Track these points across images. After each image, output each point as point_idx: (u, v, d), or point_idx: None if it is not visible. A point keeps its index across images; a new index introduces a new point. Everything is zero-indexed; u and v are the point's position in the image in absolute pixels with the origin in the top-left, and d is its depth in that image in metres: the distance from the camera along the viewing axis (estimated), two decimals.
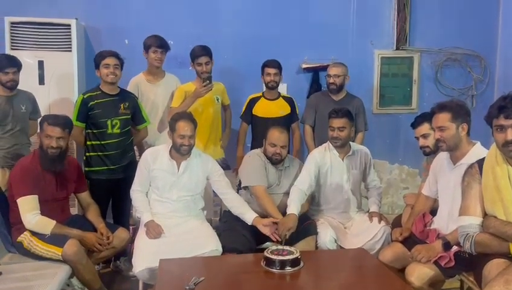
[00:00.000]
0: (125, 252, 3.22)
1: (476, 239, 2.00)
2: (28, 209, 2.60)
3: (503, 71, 4.56)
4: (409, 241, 2.50)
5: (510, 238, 1.93)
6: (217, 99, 3.58)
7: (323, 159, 3.06)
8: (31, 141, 3.33)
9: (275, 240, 2.66)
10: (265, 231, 2.72)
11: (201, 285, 2.08)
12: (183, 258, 2.48)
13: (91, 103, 3.11)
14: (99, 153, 3.16)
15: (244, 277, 2.26)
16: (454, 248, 2.26)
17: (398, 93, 4.63)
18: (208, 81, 3.31)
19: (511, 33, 4.40)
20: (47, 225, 2.61)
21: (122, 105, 3.19)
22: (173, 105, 3.39)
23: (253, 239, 2.78)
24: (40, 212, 2.62)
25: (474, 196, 2.06)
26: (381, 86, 4.57)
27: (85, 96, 3.14)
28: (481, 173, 2.06)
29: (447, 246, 2.25)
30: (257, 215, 2.83)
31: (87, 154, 3.20)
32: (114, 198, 3.32)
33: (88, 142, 3.18)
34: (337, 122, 2.97)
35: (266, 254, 2.32)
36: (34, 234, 2.61)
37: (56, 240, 2.56)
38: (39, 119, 2.92)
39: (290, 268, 2.26)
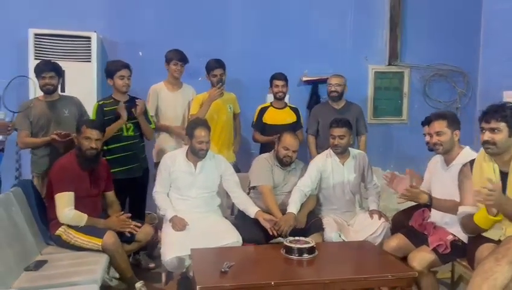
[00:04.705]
0: (145, 247, 3.46)
1: (461, 221, 2.40)
2: (65, 204, 2.83)
3: (484, 86, 4.92)
4: (410, 234, 2.83)
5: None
6: (230, 108, 3.89)
7: (325, 165, 3.36)
8: None
9: (271, 233, 2.94)
10: (266, 224, 2.98)
11: (233, 268, 2.37)
12: (211, 248, 2.76)
13: (105, 109, 3.39)
14: (117, 155, 3.41)
15: (268, 262, 2.54)
16: (450, 237, 2.60)
17: (390, 105, 5.01)
18: (220, 84, 3.61)
19: (491, 52, 4.77)
20: (81, 219, 2.86)
21: (133, 110, 3.43)
22: (192, 112, 3.68)
23: (266, 234, 3.04)
24: (74, 207, 2.85)
25: (466, 190, 2.42)
26: (374, 98, 4.95)
27: (100, 103, 3.43)
28: (472, 171, 2.42)
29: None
30: (259, 209, 3.09)
31: (106, 158, 3.42)
32: (131, 198, 3.56)
33: (105, 147, 3.41)
34: (338, 131, 3.28)
35: (285, 243, 2.63)
36: (70, 226, 2.84)
37: (95, 231, 2.81)
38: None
39: (307, 255, 2.57)
